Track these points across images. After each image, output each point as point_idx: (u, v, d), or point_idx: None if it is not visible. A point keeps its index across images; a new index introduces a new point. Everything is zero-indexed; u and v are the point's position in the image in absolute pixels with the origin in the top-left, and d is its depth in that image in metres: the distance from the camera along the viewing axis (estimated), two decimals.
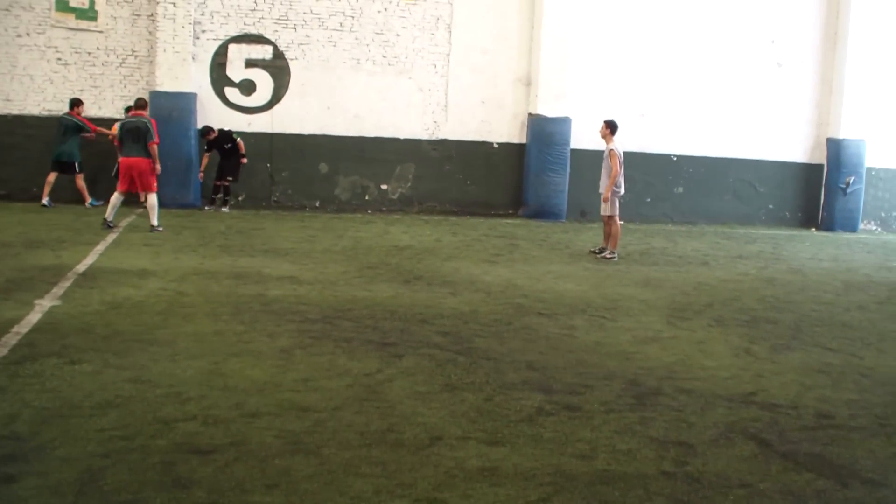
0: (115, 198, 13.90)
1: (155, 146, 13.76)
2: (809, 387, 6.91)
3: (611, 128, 13.62)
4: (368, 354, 7.08)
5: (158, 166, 13.94)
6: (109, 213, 13.80)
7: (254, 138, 17.81)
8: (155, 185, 13.90)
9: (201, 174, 17.24)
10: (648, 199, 20.12)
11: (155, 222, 13.72)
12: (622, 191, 13.61)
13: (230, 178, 17.28)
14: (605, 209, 13.52)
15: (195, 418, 5.44)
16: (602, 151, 13.76)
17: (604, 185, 13.53)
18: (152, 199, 13.84)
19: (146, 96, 16.21)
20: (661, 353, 7.68)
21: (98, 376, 6.19)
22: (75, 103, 16.65)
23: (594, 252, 13.77)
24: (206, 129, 17.07)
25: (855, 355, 8.06)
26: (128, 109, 15.88)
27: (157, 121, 14.43)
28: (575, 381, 6.67)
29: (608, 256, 13.45)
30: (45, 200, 16.32)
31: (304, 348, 7.16)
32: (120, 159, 14.29)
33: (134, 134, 13.69)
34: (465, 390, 6.29)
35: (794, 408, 6.33)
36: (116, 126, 14.87)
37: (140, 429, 5.22)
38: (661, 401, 6.31)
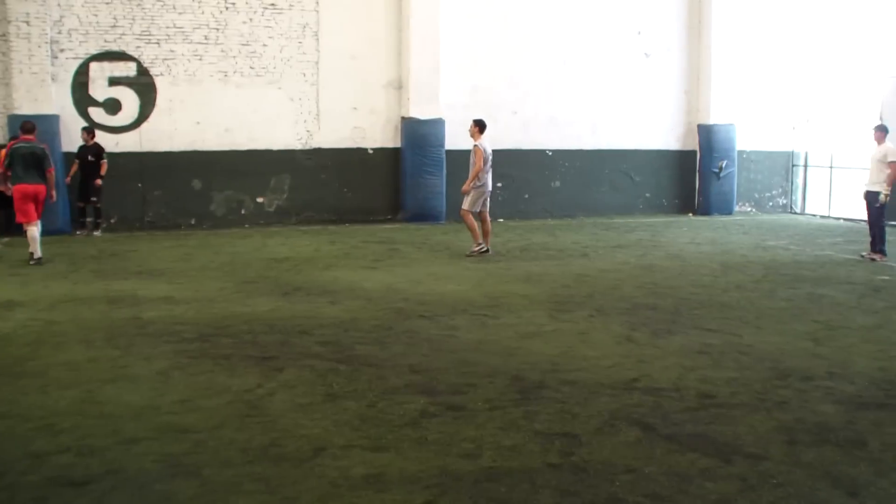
0: (33, 230, 12.83)
1: (52, 173, 13.08)
2: (691, 368, 7.10)
3: (479, 126, 13.84)
4: (248, 370, 6.98)
5: (55, 193, 13.27)
6: (36, 248, 12.84)
7: (123, 158, 17.30)
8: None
9: (68, 178, 16.67)
10: (527, 196, 20.38)
11: (39, 253, 12.85)
12: (488, 187, 13.76)
13: (94, 199, 16.78)
14: (465, 202, 13.64)
15: (69, 450, 5.27)
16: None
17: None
18: (36, 228, 12.92)
19: (2, 120, 15.53)
20: (544, 347, 7.79)
21: None
22: None
23: (475, 252, 13.79)
24: (89, 130, 16.68)
25: (734, 334, 8.33)
26: (13, 137, 14.92)
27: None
28: (458, 381, 6.71)
29: (476, 250, 13.65)
30: None
31: (182, 369, 7.02)
32: (16, 187, 12.93)
33: (29, 160, 12.81)
34: (347, 399, 6.26)
35: (677, 390, 6.50)
36: (4, 152, 13.61)
37: (10, 466, 5.03)
38: (545, 394, 6.39)
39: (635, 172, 21.33)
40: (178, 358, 7.36)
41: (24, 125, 13.40)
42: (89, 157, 16.64)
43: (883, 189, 13.12)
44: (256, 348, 7.71)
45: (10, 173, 12.98)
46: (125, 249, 14.59)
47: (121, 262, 13.18)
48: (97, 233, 16.73)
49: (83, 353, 7.58)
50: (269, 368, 7.03)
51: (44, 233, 15.44)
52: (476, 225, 13.77)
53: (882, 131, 13.47)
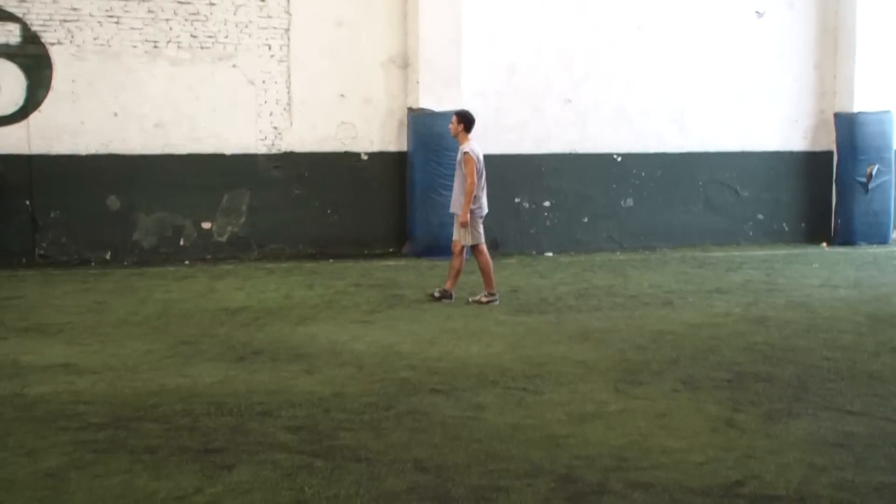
0: None
1: None
2: (822, 468, 7.03)
3: (464, 122, 14.19)
4: (183, 468, 6.95)
5: None
6: None
7: (2, 163, 17.42)
8: None
9: None
10: (585, 219, 20.39)
11: None
12: (485, 209, 14.12)
13: None
14: (463, 236, 13.95)
15: None
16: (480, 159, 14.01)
17: (458, 204, 13.91)
18: None
19: None
20: (607, 435, 7.73)
21: None
22: None
23: (434, 295, 14.14)
24: None
25: (888, 419, 8.25)
26: None
27: None
28: (483, 482, 6.67)
29: (484, 300, 13.92)
30: None
31: (84, 468, 6.99)
32: None
33: None
34: None
35: (801, 500, 6.43)
36: None
37: None
38: (608, 502, 6.33)
39: (741, 184, 21.34)
40: (79, 452, 7.30)
41: None
42: None
43: None
44: (196, 437, 7.67)
45: None
46: (3, 295, 14.56)
47: None
48: None
49: None
50: (213, 466, 6.98)
51: None
52: (461, 265, 14.11)
53: None
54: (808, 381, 9.47)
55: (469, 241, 13.94)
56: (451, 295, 14.13)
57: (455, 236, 14.07)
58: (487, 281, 14.04)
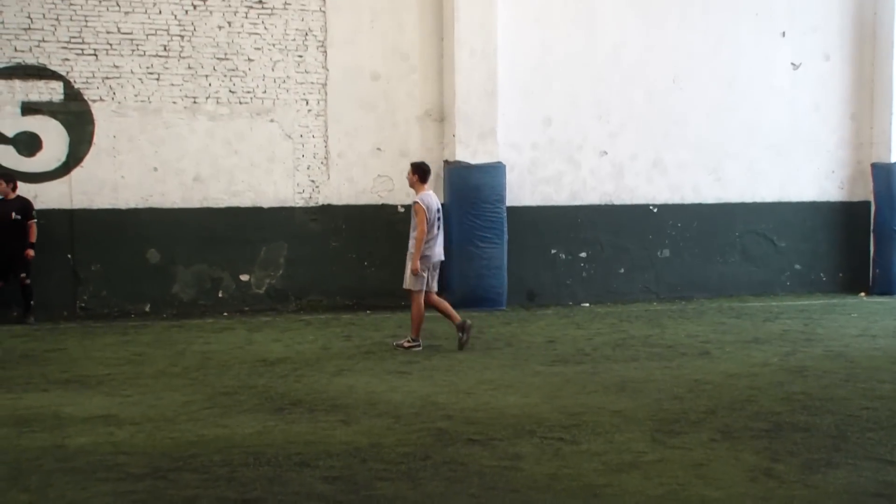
0: None
1: None
2: None
3: (419, 172, 14.62)
4: None
5: None
6: None
7: (45, 217, 17.56)
8: None
9: None
10: (622, 270, 20.38)
11: None
12: (435, 257, 14.45)
13: (24, 276, 17.06)
14: (411, 282, 14.33)
15: None
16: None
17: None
18: None
19: None
20: (644, 485, 7.69)
21: None
22: None
23: (402, 346, 14.47)
24: (8, 178, 17.03)
25: None
26: None
27: None
28: None
29: (406, 345, 14.40)
30: None
31: None
32: None
33: None
34: None
35: None
36: None
37: None
38: None
39: (778, 235, 21.28)
40: (119, 503, 7.33)
41: None
42: (13, 216, 16.98)
43: None
44: (234, 487, 7.67)
45: None
46: (45, 348, 14.66)
47: (37, 365, 13.22)
48: (31, 320, 17.13)
49: None
50: None
51: None
52: (422, 313, 14.44)
53: None
54: (848, 431, 9.40)
55: (407, 286, 14.35)
56: (417, 343, 14.44)
57: (406, 284, 14.44)
58: (413, 326, 14.42)
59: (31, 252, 17.08)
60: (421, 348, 14.37)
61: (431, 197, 14.50)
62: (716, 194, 20.86)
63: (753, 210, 21.13)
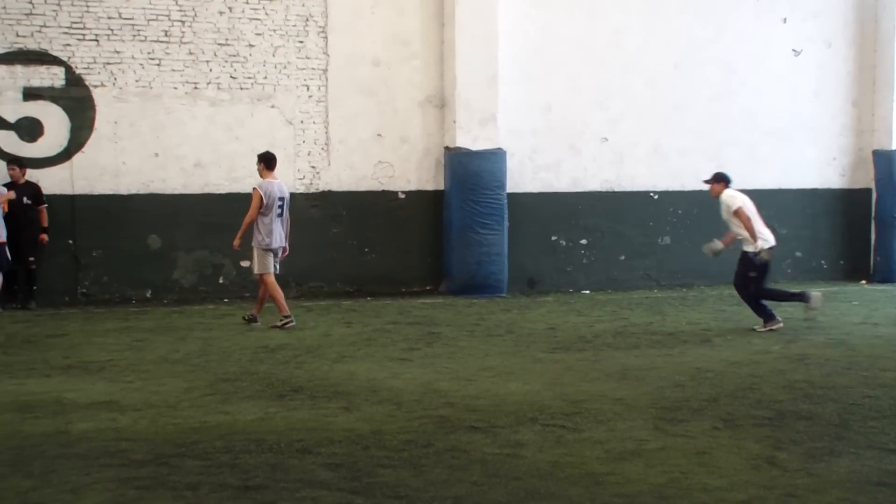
0: None
1: None
2: None
3: (264, 161, 15.54)
4: None
5: None
6: None
7: (46, 203, 17.60)
8: None
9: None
10: (622, 257, 20.39)
11: None
12: (275, 243, 15.28)
13: (32, 259, 17.11)
14: (261, 266, 15.32)
15: None
16: None
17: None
18: None
19: None
20: (646, 473, 7.70)
21: None
22: None
23: (278, 326, 15.16)
24: (19, 163, 17.12)
25: None
26: None
27: None
28: None
29: (279, 324, 15.16)
30: None
31: None
32: None
33: None
34: None
35: None
36: None
37: None
38: None
39: (779, 222, 21.20)
40: (122, 489, 7.32)
41: None
42: (24, 200, 17.03)
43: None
44: (236, 474, 7.68)
45: None
46: (47, 334, 14.70)
47: (39, 351, 13.26)
48: (33, 304, 17.25)
49: None
50: (253, 503, 7.00)
51: None
52: (278, 290, 15.41)
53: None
54: (850, 420, 9.41)
55: (256, 269, 15.40)
56: (289, 318, 15.22)
57: (253, 269, 15.67)
58: (278, 305, 15.27)
59: (45, 237, 17.30)
60: (293, 322, 15.18)
61: (273, 185, 15.32)
62: None
63: (754, 197, 20.99)
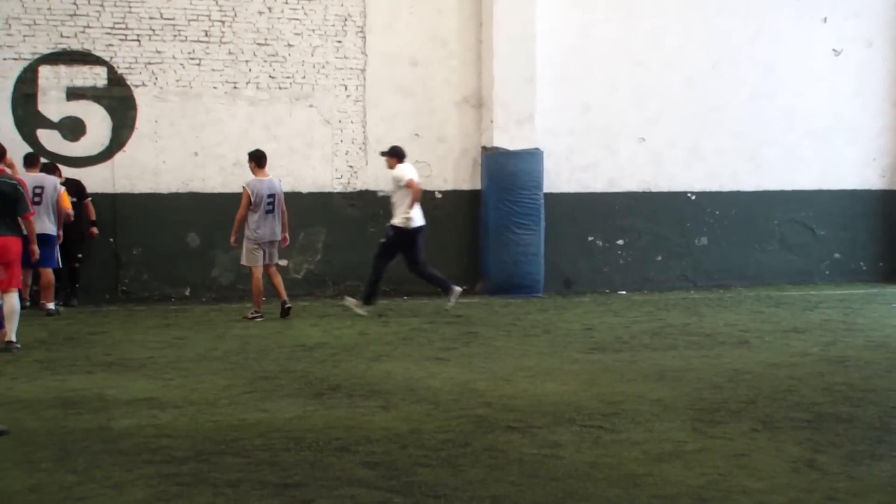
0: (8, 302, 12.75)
1: (31, 219, 13.00)
2: None
3: (254, 160, 16.20)
4: (264, 502, 7.00)
5: (36, 248, 13.21)
6: (11, 329, 12.77)
7: (90, 196, 17.72)
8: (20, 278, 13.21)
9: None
10: (659, 258, 20.33)
11: (14, 337, 12.87)
12: (269, 237, 16.04)
13: (80, 256, 17.28)
14: (248, 259, 16.11)
15: None
16: None
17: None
18: (13, 300, 12.81)
19: None
20: (685, 474, 7.69)
21: None
22: None
23: (248, 318, 16.00)
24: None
25: None
26: None
27: None
28: None
29: (250, 316, 15.97)
30: None
31: (169, 501, 7.04)
32: None
33: None
34: None
35: None
36: None
37: None
38: None
39: (818, 223, 21.17)
40: (164, 486, 7.36)
41: None
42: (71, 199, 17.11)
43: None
44: (276, 471, 7.71)
45: None
46: (88, 331, 14.81)
47: (81, 348, 13.35)
48: (75, 302, 17.40)
49: (23, 478, 7.60)
50: (293, 500, 7.02)
51: None
52: (261, 285, 16.11)
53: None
54: (891, 423, 9.35)
55: (243, 261, 16.20)
56: (259, 314, 16.03)
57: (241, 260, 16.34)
58: (255, 299, 16.10)
59: (94, 230, 17.54)
60: (262, 318, 15.91)
61: (262, 183, 16.01)
62: (754, 182, 20.77)
63: (792, 198, 21.02)
